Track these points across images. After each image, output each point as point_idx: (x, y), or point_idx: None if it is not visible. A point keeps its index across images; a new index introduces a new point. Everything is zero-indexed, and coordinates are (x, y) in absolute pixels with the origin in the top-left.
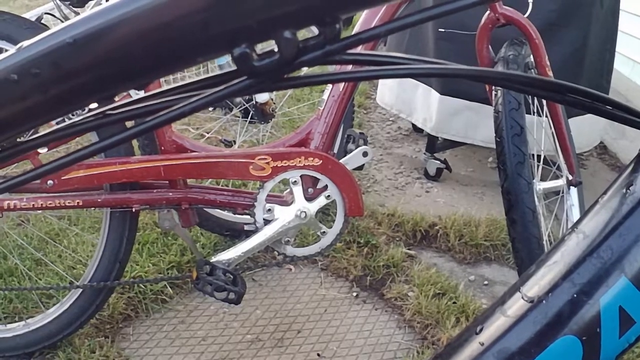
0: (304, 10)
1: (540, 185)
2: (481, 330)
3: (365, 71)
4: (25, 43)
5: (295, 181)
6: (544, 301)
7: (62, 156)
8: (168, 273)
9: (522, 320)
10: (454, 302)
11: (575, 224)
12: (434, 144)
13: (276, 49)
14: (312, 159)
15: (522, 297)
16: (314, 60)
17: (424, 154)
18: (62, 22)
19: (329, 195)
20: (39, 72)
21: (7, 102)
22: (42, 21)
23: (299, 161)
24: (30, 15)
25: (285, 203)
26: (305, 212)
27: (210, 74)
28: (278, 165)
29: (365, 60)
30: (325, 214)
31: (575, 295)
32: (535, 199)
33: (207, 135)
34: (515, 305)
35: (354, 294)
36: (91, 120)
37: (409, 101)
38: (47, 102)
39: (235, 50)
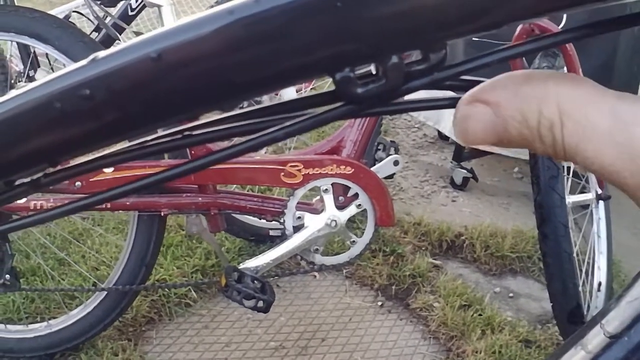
0: (414, 34)
1: (569, 199)
2: None
3: None
4: (101, 54)
5: (327, 189)
6: (625, 337)
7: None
8: (192, 277)
9: (602, 356)
10: (480, 314)
11: None
12: (460, 153)
13: (374, 71)
14: (344, 167)
15: (604, 333)
16: (419, 87)
17: (451, 162)
18: (90, 20)
19: (359, 204)
20: (116, 88)
21: (76, 119)
22: (69, 19)
23: (331, 169)
24: (57, 12)
25: (316, 211)
26: (335, 220)
27: (304, 95)
28: (309, 173)
29: (470, 87)
30: (350, 221)
31: None
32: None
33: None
34: (596, 340)
35: (379, 303)
36: (168, 141)
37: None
38: (122, 121)
39: (338, 74)
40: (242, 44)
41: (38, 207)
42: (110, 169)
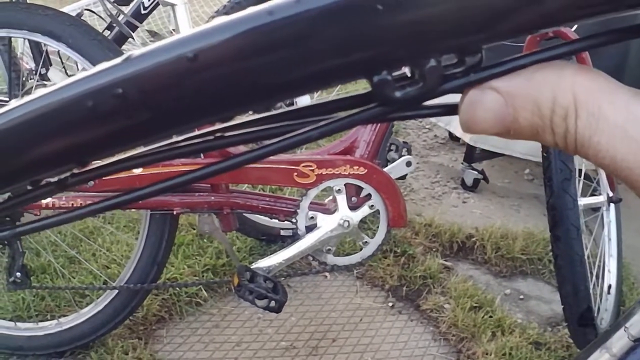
0: (451, 38)
1: (581, 201)
2: None
3: None
4: (135, 53)
5: (339, 189)
6: None
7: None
8: (203, 276)
9: (626, 358)
10: (490, 316)
11: None
12: (472, 154)
13: (409, 74)
14: (357, 167)
15: (628, 337)
16: (455, 90)
17: (462, 163)
18: (102, 18)
19: (372, 205)
20: (150, 87)
21: (107, 119)
22: (82, 17)
23: (344, 169)
24: (70, 10)
25: (328, 211)
26: (348, 221)
27: (338, 97)
28: (323, 173)
29: None
30: (362, 222)
31: None
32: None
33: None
34: (620, 344)
35: (390, 304)
36: (199, 142)
37: None
38: (154, 121)
39: (375, 77)
40: (280, 45)
41: (50, 205)
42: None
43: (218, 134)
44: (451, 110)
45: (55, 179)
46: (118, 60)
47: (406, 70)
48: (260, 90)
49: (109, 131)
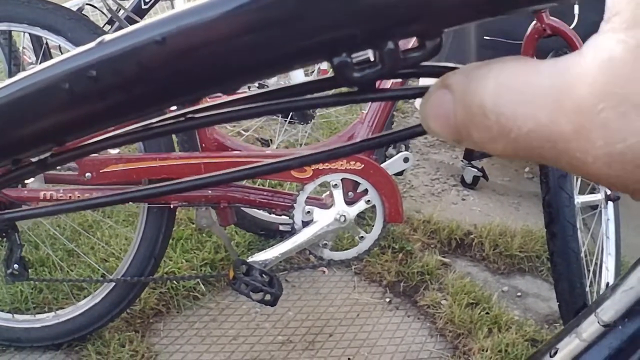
0: (411, 21)
1: (578, 199)
2: (556, 353)
3: None
4: (107, 37)
5: (336, 184)
6: (619, 326)
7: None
8: (201, 270)
9: (597, 344)
10: (487, 313)
11: None
12: (471, 152)
13: (372, 58)
14: (353, 162)
15: (598, 322)
16: (413, 74)
17: (462, 161)
18: (103, 13)
19: (369, 200)
20: (121, 70)
21: (83, 99)
22: (82, 12)
23: (341, 164)
24: (71, 4)
25: (325, 206)
26: (344, 215)
27: (305, 80)
28: (320, 168)
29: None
30: (359, 217)
31: None
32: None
33: (245, 134)
34: (591, 329)
35: (387, 299)
36: (170, 123)
37: None
38: (126, 103)
39: (335, 59)
40: (244, 29)
41: (48, 197)
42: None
43: (189, 116)
44: (418, 94)
45: (36, 158)
46: (92, 44)
47: (369, 53)
48: (226, 72)
49: (84, 112)
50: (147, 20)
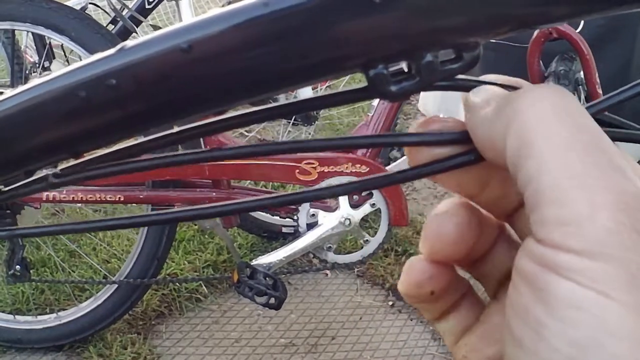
0: (449, 33)
1: None
2: None
3: None
4: (129, 43)
5: None
6: None
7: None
8: (204, 272)
9: None
10: None
11: None
12: None
13: (406, 69)
14: (359, 165)
15: None
16: (449, 87)
17: None
18: (106, 12)
19: (374, 204)
20: (143, 78)
21: (101, 109)
22: (86, 11)
23: (346, 167)
24: (74, 3)
25: (330, 209)
26: (349, 219)
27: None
28: (325, 171)
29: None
30: (363, 220)
31: None
32: None
33: (249, 136)
34: None
35: (390, 302)
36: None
37: (452, 112)
38: (147, 113)
39: (371, 71)
40: (275, 37)
41: (51, 198)
42: None
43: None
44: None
45: (50, 170)
46: (112, 50)
47: (404, 65)
48: (254, 83)
49: (102, 122)
50: (172, 26)
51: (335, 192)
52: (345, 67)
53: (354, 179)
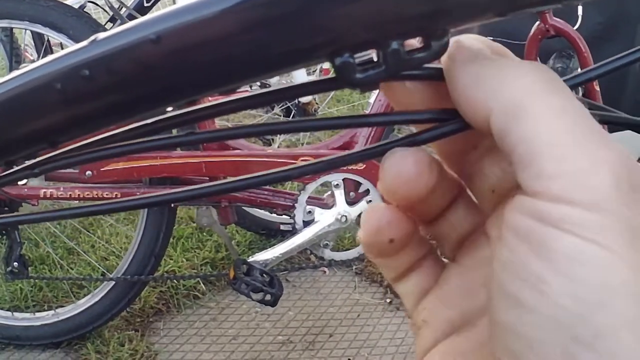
0: (416, 20)
1: None
2: None
3: None
4: (101, 35)
5: (337, 184)
6: None
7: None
8: (202, 269)
9: None
10: None
11: None
12: None
13: (375, 58)
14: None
15: None
16: (417, 77)
17: None
18: (105, 10)
19: (370, 201)
20: (115, 69)
21: (75, 100)
22: (85, 9)
23: None
24: (72, 2)
25: (326, 206)
26: (346, 216)
27: (307, 81)
28: None
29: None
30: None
31: None
32: None
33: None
34: None
35: (388, 300)
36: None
37: None
38: (121, 103)
39: (337, 59)
40: (240, 28)
41: (48, 195)
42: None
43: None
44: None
45: (29, 160)
46: (85, 42)
47: (373, 55)
48: (224, 72)
49: (78, 112)
50: (142, 17)
51: (304, 171)
52: (312, 56)
53: (348, 175)
